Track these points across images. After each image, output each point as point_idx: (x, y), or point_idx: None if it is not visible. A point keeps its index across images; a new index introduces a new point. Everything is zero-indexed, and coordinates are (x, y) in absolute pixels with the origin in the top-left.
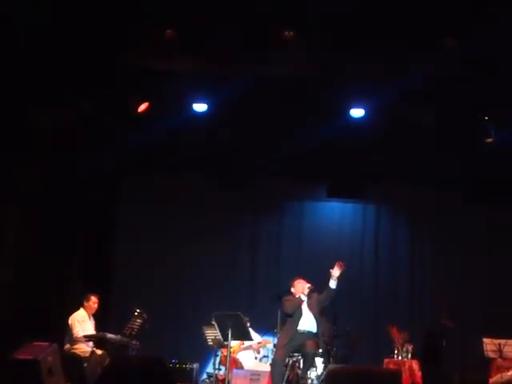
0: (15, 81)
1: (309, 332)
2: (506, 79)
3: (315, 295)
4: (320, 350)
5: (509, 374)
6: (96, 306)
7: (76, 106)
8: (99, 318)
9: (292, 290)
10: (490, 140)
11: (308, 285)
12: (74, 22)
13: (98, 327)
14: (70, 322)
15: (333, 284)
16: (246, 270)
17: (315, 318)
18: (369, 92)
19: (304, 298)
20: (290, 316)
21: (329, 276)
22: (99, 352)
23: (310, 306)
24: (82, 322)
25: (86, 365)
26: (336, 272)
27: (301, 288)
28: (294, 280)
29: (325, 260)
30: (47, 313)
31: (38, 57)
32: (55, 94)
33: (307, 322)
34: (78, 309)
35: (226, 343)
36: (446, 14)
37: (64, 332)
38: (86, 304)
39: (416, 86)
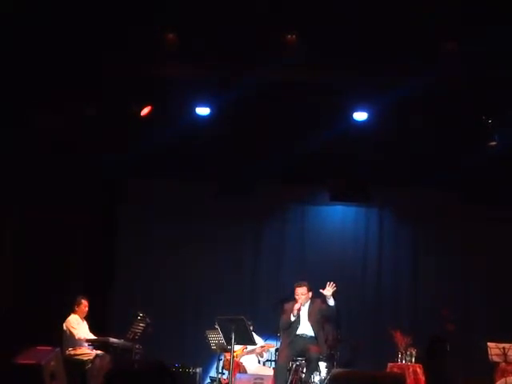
0: (18, 81)
1: (310, 336)
2: (508, 81)
3: (318, 301)
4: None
5: None
6: (87, 309)
7: (79, 109)
8: (100, 319)
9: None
10: (493, 143)
11: (297, 305)
12: (77, 25)
13: (98, 329)
14: (65, 327)
15: (330, 302)
16: (248, 273)
17: (312, 327)
18: (372, 95)
19: (293, 318)
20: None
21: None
22: (102, 356)
23: (309, 314)
24: (78, 325)
25: (88, 368)
26: (327, 292)
27: (297, 297)
28: (296, 286)
29: (328, 264)
30: (47, 314)
31: (42, 60)
32: (58, 96)
33: (305, 328)
34: (69, 315)
35: (229, 347)
36: (447, 17)
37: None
38: (77, 309)
39: (418, 88)
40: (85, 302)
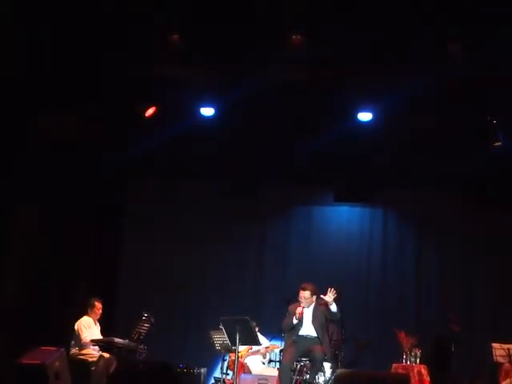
0: (18, 81)
1: (314, 337)
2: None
3: (323, 305)
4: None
5: None
6: (100, 311)
7: (80, 109)
8: (104, 319)
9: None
10: (498, 143)
11: (299, 309)
12: (82, 26)
13: (103, 330)
14: (76, 327)
15: (333, 308)
16: (253, 273)
17: (316, 330)
18: (377, 96)
19: (295, 321)
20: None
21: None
22: (106, 356)
23: (314, 317)
24: (89, 328)
25: (93, 369)
26: (328, 298)
27: (300, 300)
28: (300, 289)
29: (332, 264)
30: (50, 314)
31: (42, 61)
32: (59, 96)
33: (308, 330)
34: (82, 315)
35: (233, 348)
36: (450, 18)
37: (68, 334)
38: (90, 311)
39: (423, 89)
40: (98, 305)
